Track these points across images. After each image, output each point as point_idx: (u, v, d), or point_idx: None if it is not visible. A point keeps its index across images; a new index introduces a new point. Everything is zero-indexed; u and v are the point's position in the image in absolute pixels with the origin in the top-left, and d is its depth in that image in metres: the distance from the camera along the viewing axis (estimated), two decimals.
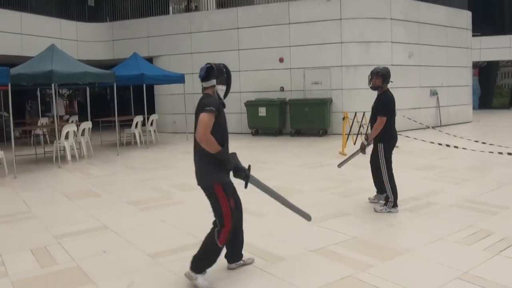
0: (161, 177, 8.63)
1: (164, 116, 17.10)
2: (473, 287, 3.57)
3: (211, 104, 3.56)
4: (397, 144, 6.11)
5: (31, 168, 10.06)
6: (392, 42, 15.02)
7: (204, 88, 3.78)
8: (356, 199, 6.42)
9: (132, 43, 17.53)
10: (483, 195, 6.49)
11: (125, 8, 18.78)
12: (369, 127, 6.20)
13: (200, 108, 3.59)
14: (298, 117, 14.40)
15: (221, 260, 3.92)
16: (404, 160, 9.16)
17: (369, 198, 6.29)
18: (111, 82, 11.89)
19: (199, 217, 5.75)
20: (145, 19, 17.89)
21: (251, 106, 14.87)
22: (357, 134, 11.87)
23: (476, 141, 10.68)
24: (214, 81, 3.71)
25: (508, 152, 8.19)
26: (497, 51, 24.48)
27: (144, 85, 13.22)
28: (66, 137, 10.65)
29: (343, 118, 11.04)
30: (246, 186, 3.78)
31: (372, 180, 6.18)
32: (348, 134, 11.24)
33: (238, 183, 3.80)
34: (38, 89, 15.37)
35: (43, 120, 14.99)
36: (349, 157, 6.65)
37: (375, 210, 5.73)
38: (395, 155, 5.96)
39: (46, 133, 14.17)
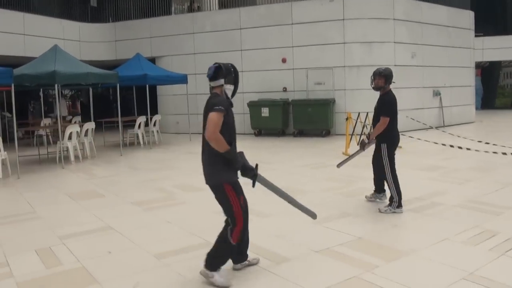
0: (164, 178, 8.63)
1: (167, 116, 17.11)
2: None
3: (220, 104, 3.59)
4: (399, 144, 6.12)
5: (35, 169, 10.08)
6: (395, 42, 15.00)
7: (212, 88, 3.81)
8: (360, 199, 6.40)
9: (134, 44, 17.55)
10: (487, 195, 6.48)
11: (127, 8, 18.80)
12: (372, 128, 6.21)
13: (209, 107, 3.62)
14: (301, 118, 14.39)
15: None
16: (408, 160, 9.15)
17: (366, 196, 6.35)
18: (114, 82, 11.90)
19: (203, 217, 5.78)
20: (148, 20, 17.90)
21: (254, 106, 14.86)
22: (360, 135, 11.82)
23: (480, 141, 10.66)
24: (222, 81, 3.74)
25: None
26: (499, 51, 24.45)
27: (147, 86, 13.24)
28: (69, 137, 10.66)
29: (347, 119, 11.02)
30: (253, 185, 3.81)
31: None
32: (352, 135, 11.22)
33: (244, 182, 3.80)
34: (41, 89, 15.39)
35: (46, 121, 15.01)
36: (349, 157, 6.69)
37: (380, 211, 5.73)
38: (399, 155, 5.96)
39: (49, 133, 14.19)
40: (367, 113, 11.27)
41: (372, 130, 6.14)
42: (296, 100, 14.70)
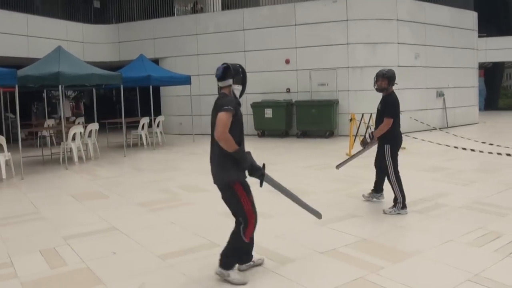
0: (168, 179, 8.63)
1: (170, 117, 17.11)
2: None
3: (229, 104, 3.62)
4: (403, 146, 6.11)
5: (38, 170, 10.10)
6: (398, 43, 14.97)
7: (220, 88, 3.85)
8: (365, 201, 6.39)
9: (138, 45, 17.58)
10: (492, 196, 6.46)
11: (131, 9, 18.82)
12: (375, 129, 6.21)
13: (218, 107, 3.65)
14: (305, 119, 14.38)
15: None
16: (412, 161, 9.14)
17: (363, 195, 6.37)
18: (118, 83, 11.92)
19: (207, 218, 5.79)
20: (151, 21, 17.93)
21: (257, 107, 14.86)
22: (364, 136, 11.82)
23: (484, 143, 10.62)
24: (230, 81, 3.77)
25: None
26: (503, 52, 24.36)
27: (151, 87, 13.25)
28: (73, 138, 10.69)
29: (350, 120, 11.00)
30: (261, 185, 3.82)
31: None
32: (355, 136, 11.20)
33: (251, 182, 3.80)
34: (45, 90, 15.43)
35: (49, 122, 15.05)
36: (348, 159, 6.69)
37: (384, 212, 5.72)
38: (403, 156, 5.95)
39: (53, 134, 14.23)
40: (371, 114, 11.24)
41: (374, 130, 6.15)
42: (300, 101, 14.69)
